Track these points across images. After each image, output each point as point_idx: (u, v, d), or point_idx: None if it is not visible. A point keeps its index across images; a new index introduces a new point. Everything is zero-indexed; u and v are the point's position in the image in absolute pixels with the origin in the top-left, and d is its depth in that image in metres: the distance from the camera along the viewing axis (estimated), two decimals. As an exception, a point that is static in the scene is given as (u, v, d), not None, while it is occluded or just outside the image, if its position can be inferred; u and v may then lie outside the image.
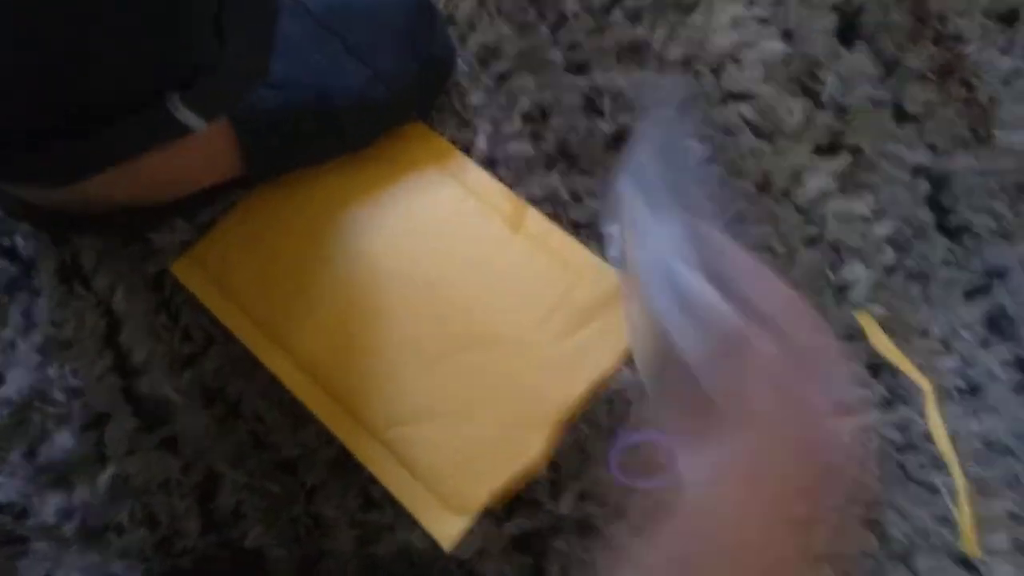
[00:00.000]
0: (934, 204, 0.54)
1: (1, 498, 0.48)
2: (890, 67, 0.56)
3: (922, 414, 0.52)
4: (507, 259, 0.49)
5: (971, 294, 0.53)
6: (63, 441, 0.49)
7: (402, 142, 0.52)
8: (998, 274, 0.54)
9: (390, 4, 0.50)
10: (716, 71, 0.55)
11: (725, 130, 0.54)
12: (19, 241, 0.51)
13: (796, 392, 0.33)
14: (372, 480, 0.45)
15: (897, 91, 0.55)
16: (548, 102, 0.55)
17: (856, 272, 0.53)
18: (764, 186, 0.54)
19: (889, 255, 0.53)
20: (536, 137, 0.55)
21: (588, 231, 0.52)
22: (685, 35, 0.56)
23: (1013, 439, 0.52)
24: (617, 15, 0.56)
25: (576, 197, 0.53)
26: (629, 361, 0.49)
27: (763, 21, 0.57)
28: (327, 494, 0.49)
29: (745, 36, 0.56)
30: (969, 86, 0.56)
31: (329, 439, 0.47)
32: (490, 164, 0.54)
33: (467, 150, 0.54)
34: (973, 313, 0.53)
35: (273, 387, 0.49)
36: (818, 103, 0.55)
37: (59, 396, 0.49)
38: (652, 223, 0.35)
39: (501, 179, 0.51)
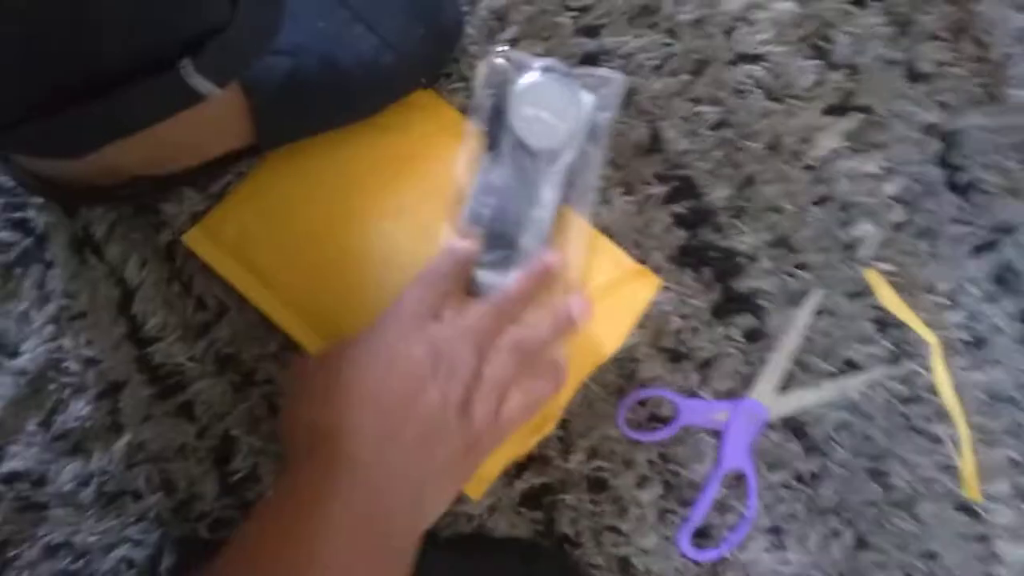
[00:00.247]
0: (944, 162, 0.54)
1: (19, 466, 0.49)
2: (903, 26, 0.55)
3: (927, 368, 0.52)
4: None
5: (979, 249, 0.54)
6: (79, 409, 0.49)
7: (411, 110, 0.52)
8: (1006, 230, 0.54)
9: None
10: (728, 32, 0.55)
11: (736, 91, 0.54)
12: (31, 213, 0.51)
13: None
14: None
15: (909, 50, 0.55)
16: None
17: (865, 230, 0.53)
18: (774, 146, 0.54)
19: (898, 213, 0.53)
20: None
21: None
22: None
23: (1016, 390, 0.52)
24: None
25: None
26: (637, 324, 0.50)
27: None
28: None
29: (756, -3, 0.56)
30: (982, 44, 0.55)
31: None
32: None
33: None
34: (980, 268, 0.53)
35: (287, 353, 0.50)
36: (830, 64, 0.55)
37: (74, 366, 0.50)
38: None
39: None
